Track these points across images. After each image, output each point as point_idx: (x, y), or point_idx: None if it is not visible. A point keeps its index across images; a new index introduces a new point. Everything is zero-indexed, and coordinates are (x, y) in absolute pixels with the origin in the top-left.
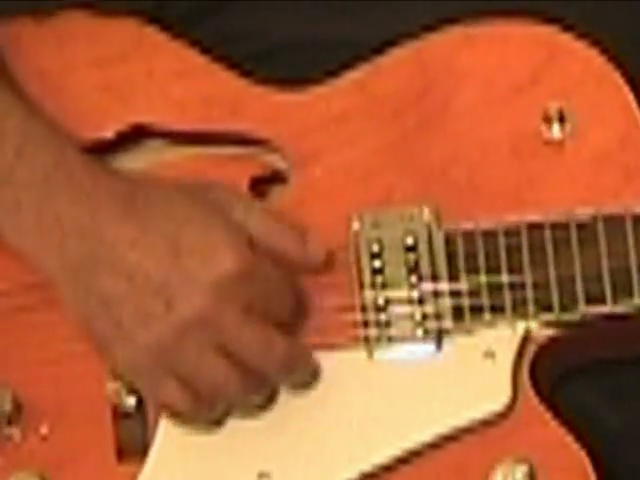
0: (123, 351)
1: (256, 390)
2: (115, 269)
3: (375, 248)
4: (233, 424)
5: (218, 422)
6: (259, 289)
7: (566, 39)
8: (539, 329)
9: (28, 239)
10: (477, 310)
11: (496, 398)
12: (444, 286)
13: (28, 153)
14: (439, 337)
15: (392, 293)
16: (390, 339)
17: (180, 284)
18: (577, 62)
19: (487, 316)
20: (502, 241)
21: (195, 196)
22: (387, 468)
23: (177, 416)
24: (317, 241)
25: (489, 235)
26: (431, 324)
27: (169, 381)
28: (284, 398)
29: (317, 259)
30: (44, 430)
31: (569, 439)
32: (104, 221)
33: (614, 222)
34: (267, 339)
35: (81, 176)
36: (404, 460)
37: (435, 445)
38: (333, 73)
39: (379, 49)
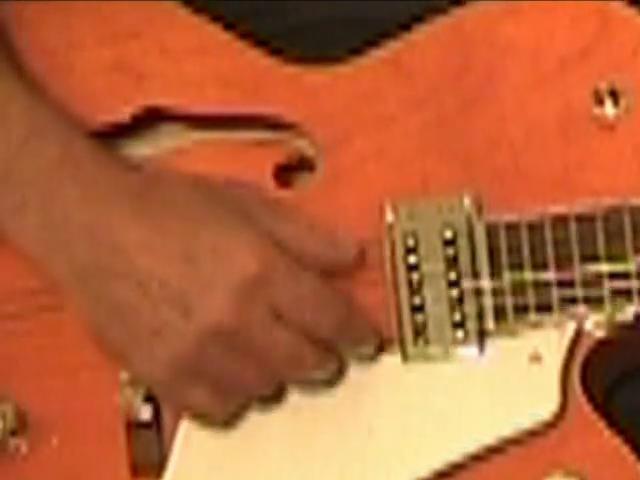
0: (141, 364)
1: (285, 392)
2: (127, 275)
3: (410, 242)
4: (258, 433)
5: (243, 430)
6: (289, 294)
7: (619, 8)
8: (590, 330)
9: (32, 241)
10: (522, 310)
11: (544, 406)
12: (486, 283)
13: (33, 145)
14: (480, 339)
15: (429, 291)
16: (427, 341)
17: (198, 291)
18: (631, 34)
19: (533, 316)
20: (549, 234)
21: (216, 194)
22: None
23: (204, 421)
24: (348, 241)
25: (534, 227)
26: (472, 325)
27: (194, 389)
28: (311, 404)
29: (349, 259)
30: (51, 446)
31: (625, 450)
32: (115, 221)
33: None
34: (297, 350)
35: (91, 170)
36: (445, 474)
37: (478, 457)
38: (364, 50)
39: (410, 23)
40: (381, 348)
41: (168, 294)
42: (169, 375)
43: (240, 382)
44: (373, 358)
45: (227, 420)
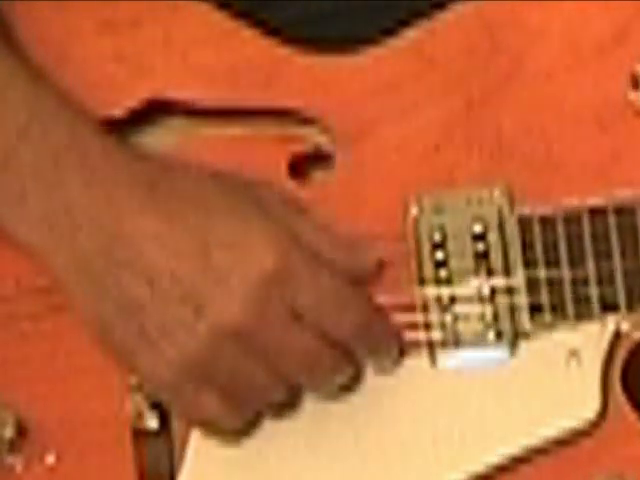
0: (148, 365)
1: (301, 398)
2: (135, 269)
3: (437, 237)
4: (274, 443)
5: (258, 440)
6: (308, 292)
7: None
8: (631, 326)
9: (34, 233)
10: (558, 308)
11: (583, 410)
12: (519, 281)
13: (34, 132)
14: (514, 340)
15: (458, 289)
16: (457, 343)
17: (210, 287)
18: None
19: (570, 315)
20: (586, 227)
21: (233, 186)
22: None
23: (214, 429)
24: (368, 252)
25: (570, 220)
26: (504, 325)
27: (204, 394)
28: (331, 411)
29: (367, 268)
30: (51, 458)
31: None
32: (122, 211)
33: None
34: (313, 353)
35: (97, 158)
36: None
37: (507, 468)
38: (383, 37)
39: (433, 9)
40: (404, 353)
41: (179, 290)
42: (178, 378)
43: (252, 388)
44: (394, 365)
45: (238, 430)
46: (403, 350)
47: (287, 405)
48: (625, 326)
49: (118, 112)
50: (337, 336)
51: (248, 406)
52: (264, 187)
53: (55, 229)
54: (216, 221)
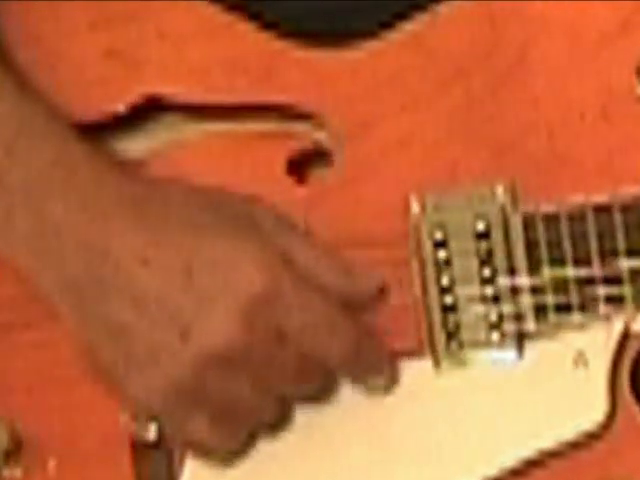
0: (136, 389)
1: (294, 412)
2: (122, 291)
3: (439, 235)
4: (272, 455)
5: (253, 454)
6: (296, 317)
7: None
8: (638, 330)
9: (21, 252)
10: (564, 309)
11: (590, 414)
12: (524, 281)
13: (21, 149)
14: (519, 342)
15: (462, 290)
16: (461, 345)
17: (197, 310)
18: None
19: (576, 315)
20: (592, 225)
21: (223, 205)
22: None
23: (206, 452)
24: (367, 274)
25: (576, 218)
26: (509, 326)
27: (194, 417)
28: (334, 418)
29: (366, 293)
30: (49, 469)
31: None
32: (110, 232)
33: None
34: (303, 373)
35: (85, 175)
36: None
37: (518, 472)
38: (382, 26)
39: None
40: (396, 376)
41: (165, 313)
42: (166, 403)
43: (243, 409)
44: (385, 390)
45: (232, 456)
46: (398, 373)
47: (280, 421)
48: (634, 326)
49: (112, 109)
50: (325, 361)
51: (240, 428)
52: (258, 205)
53: (41, 250)
54: (203, 242)
